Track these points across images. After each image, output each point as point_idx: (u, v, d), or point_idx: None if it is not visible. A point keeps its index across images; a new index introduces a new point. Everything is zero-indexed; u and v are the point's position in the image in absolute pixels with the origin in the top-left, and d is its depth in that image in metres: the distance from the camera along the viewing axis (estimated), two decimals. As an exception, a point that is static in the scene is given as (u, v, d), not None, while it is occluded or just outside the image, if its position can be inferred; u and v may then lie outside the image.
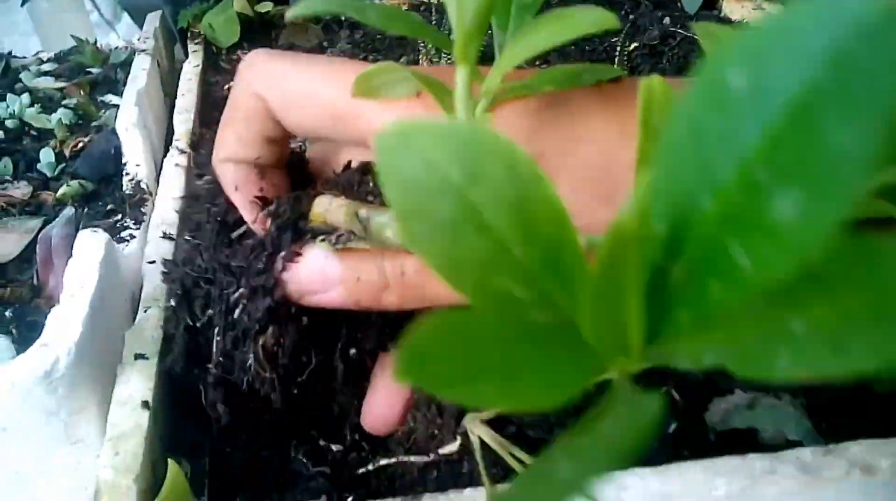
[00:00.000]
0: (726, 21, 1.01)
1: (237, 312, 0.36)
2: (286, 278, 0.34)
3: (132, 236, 0.59)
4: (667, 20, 1.01)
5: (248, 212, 0.39)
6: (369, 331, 0.38)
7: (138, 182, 0.65)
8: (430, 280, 0.31)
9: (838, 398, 0.48)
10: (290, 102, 0.36)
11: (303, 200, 0.36)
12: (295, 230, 0.35)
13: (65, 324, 0.41)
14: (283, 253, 0.34)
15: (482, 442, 0.37)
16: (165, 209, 0.58)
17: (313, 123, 0.36)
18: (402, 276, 0.31)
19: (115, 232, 0.59)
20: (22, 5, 0.98)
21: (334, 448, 0.44)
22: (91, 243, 0.48)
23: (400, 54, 0.90)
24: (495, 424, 0.39)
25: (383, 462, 0.41)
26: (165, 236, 0.54)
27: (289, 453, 0.44)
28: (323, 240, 0.34)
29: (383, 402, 0.40)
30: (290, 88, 0.36)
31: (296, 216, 0.35)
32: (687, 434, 0.47)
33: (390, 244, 0.31)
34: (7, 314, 0.51)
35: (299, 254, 0.34)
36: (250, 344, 0.36)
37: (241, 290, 0.36)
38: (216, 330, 0.37)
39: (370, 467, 0.42)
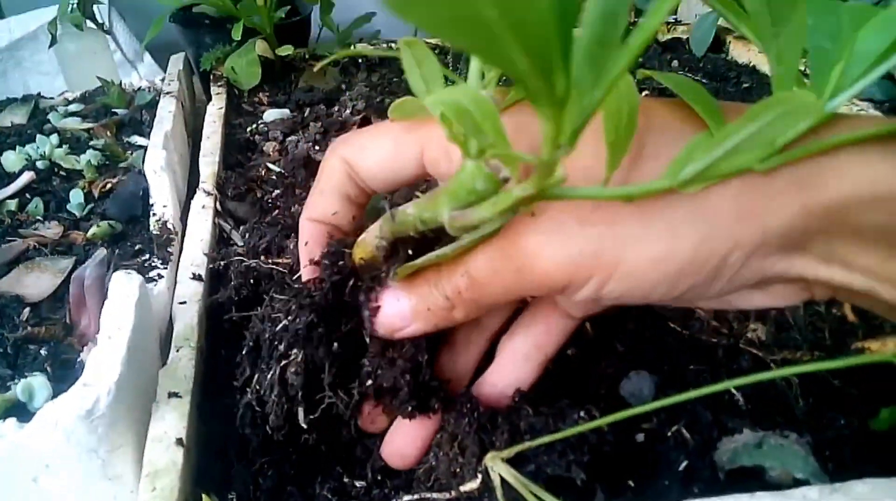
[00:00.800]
0: (733, 64, 1.04)
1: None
2: (376, 326, 0.39)
3: (160, 276, 0.61)
4: (675, 63, 1.04)
5: (306, 268, 0.42)
6: (388, 369, 0.40)
7: (165, 223, 0.67)
8: (482, 290, 0.35)
9: (843, 437, 0.50)
10: (376, 163, 0.40)
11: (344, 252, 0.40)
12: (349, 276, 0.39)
13: (105, 365, 0.43)
14: (366, 308, 0.39)
15: (503, 480, 0.39)
16: (194, 250, 0.60)
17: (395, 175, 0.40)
18: (461, 294, 0.35)
19: (143, 271, 0.62)
20: (49, 47, 1.02)
21: (358, 484, 0.45)
22: (126, 285, 0.50)
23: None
24: (515, 462, 0.41)
25: (406, 498, 0.43)
26: (195, 278, 0.57)
27: (314, 489, 0.46)
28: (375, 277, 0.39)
29: (405, 437, 0.43)
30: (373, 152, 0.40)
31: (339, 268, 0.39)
32: (696, 473, 0.48)
33: (412, 222, 0.35)
34: (42, 352, 0.53)
35: (377, 305, 0.38)
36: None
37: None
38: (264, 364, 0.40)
39: (393, 503, 0.43)
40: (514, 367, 0.44)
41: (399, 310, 0.38)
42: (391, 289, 0.38)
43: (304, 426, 0.41)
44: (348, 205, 0.42)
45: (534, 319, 0.45)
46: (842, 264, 0.31)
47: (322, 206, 0.42)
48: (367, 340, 0.40)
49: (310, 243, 0.42)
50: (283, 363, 0.40)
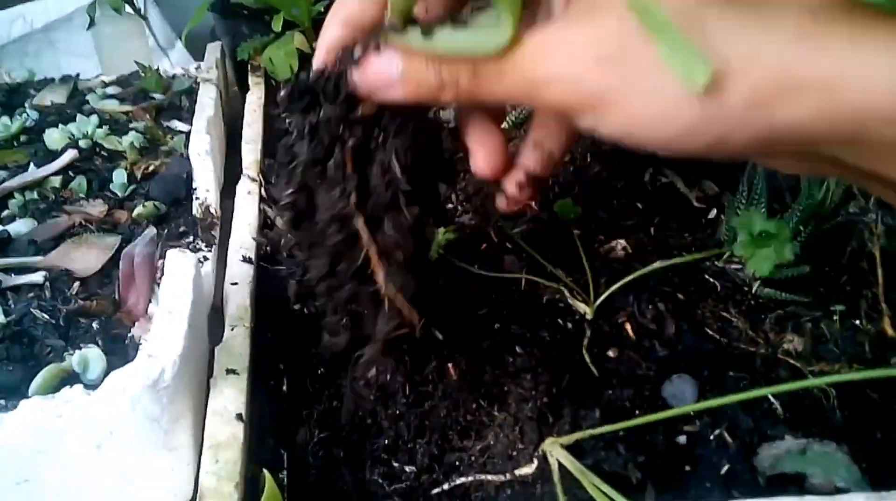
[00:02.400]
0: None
1: None
2: (356, 78, 0.36)
3: (205, 258, 0.62)
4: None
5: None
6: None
7: (207, 207, 0.68)
8: (482, 87, 0.34)
9: (882, 448, 0.50)
10: None
11: None
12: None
13: (168, 338, 0.44)
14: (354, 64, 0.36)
15: (560, 466, 0.40)
16: (242, 233, 0.61)
17: None
18: (458, 83, 0.34)
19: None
20: (87, 29, 1.02)
21: (408, 469, 0.46)
22: (183, 263, 0.50)
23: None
24: (572, 453, 0.41)
25: (459, 480, 0.43)
26: (245, 260, 0.57)
27: (363, 473, 0.46)
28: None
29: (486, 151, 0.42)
30: None
31: None
32: (737, 476, 0.49)
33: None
34: (93, 326, 0.54)
35: (367, 60, 0.36)
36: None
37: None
38: None
39: (445, 487, 0.44)
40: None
41: (387, 70, 0.36)
42: (387, 52, 0.36)
43: None
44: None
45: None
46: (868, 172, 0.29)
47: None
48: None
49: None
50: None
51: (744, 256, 0.47)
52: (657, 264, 0.59)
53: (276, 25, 0.92)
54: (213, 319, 0.56)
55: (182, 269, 0.50)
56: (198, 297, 0.49)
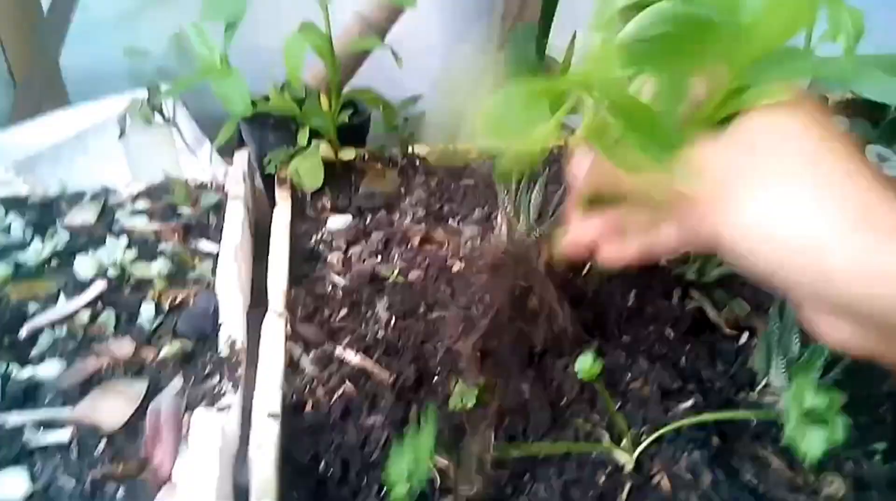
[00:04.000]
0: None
1: None
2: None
3: (231, 405, 0.61)
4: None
5: None
6: None
7: (234, 342, 0.68)
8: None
9: None
10: None
11: None
12: None
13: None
14: None
15: None
16: (268, 383, 0.61)
17: None
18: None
19: (214, 398, 0.62)
20: (119, 138, 1.04)
21: None
22: (207, 427, 0.50)
23: (474, 205, 0.94)
24: None
25: None
26: (271, 416, 0.57)
27: None
28: None
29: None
30: None
31: None
32: None
33: None
34: (119, 493, 0.54)
35: None
36: None
37: None
38: None
39: None
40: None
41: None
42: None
43: None
44: None
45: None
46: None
47: None
48: None
49: None
50: None
51: (795, 438, 0.46)
52: (694, 419, 0.58)
53: (303, 139, 0.94)
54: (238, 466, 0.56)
55: (207, 436, 0.50)
56: (224, 468, 0.49)
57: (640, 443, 0.58)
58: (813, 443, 0.49)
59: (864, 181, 0.37)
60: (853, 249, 0.35)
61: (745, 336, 0.71)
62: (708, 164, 0.41)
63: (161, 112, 1.06)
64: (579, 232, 0.54)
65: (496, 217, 0.87)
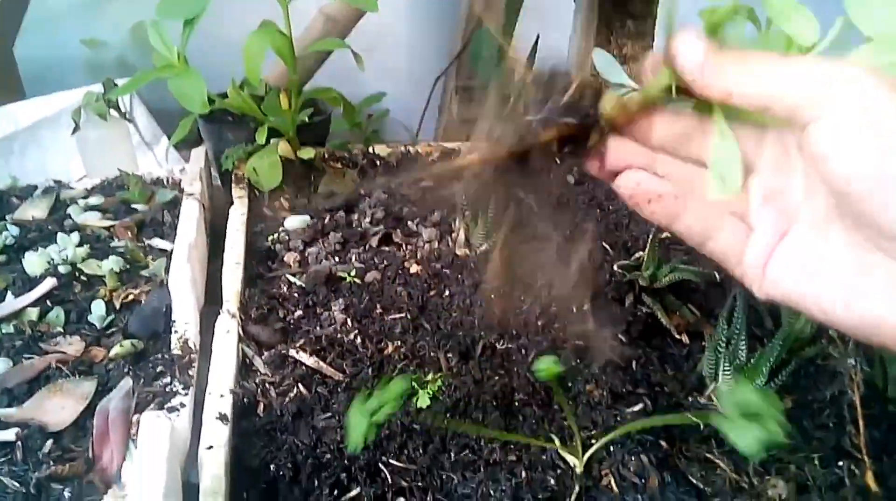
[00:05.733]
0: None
1: None
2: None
3: (182, 405, 0.61)
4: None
5: None
6: None
7: (186, 341, 0.67)
8: None
9: None
10: None
11: None
12: None
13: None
14: None
15: None
16: (219, 383, 0.60)
17: None
18: None
19: (165, 398, 0.61)
20: (72, 134, 1.03)
21: None
22: (156, 430, 0.50)
23: (433, 207, 0.94)
24: None
25: None
26: (221, 418, 0.57)
27: None
28: None
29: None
30: None
31: None
32: None
33: None
34: (66, 494, 0.53)
35: None
36: None
37: None
38: None
39: None
40: None
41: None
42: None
43: None
44: None
45: None
46: None
47: None
48: None
49: None
50: None
51: (731, 436, 0.47)
52: (643, 423, 0.59)
53: (261, 138, 0.93)
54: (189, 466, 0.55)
55: (155, 439, 0.49)
56: (171, 471, 0.48)
57: (590, 446, 0.59)
58: (747, 441, 0.51)
59: None
60: None
61: (695, 342, 0.72)
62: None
63: (117, 107, 1.04)
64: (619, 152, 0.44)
65: (454, 220, 0.87)
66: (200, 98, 0.83)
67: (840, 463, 0.61)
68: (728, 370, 0.66)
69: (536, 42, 1.39)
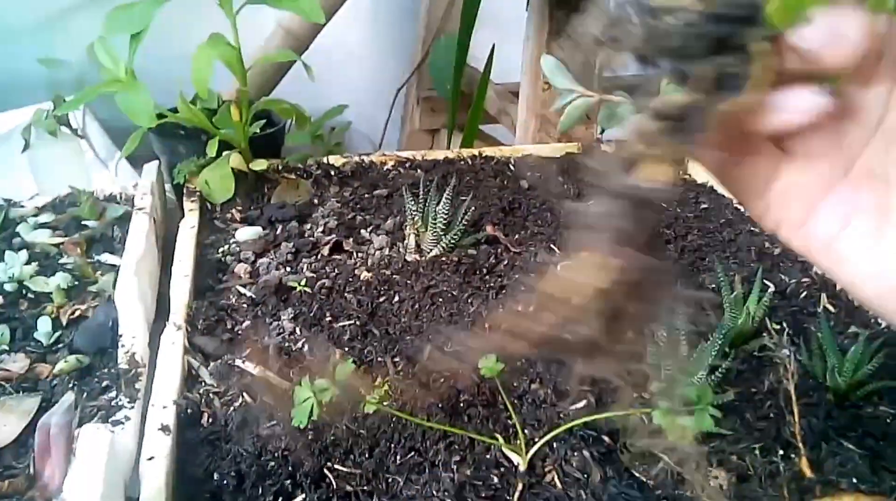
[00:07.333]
0: (692, 184, 1.08)
1: None
2: None
3: (127, 418, 0.61)
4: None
5: None
6: None
7: (133, 355, 0.67)
8: None
9: None
10: None
11: None
12: None
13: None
14: None
15: None
16: (162, 395, 0.60)
17: None
18: None
19: (110, 413, 0.61)
20: (22, 152, 1.02)
21: None
22: (95, 443, 0.50)
23: (387, 215, 0.95)
24: None
25: None
26: (163, 429, 0.57)
27: None
28: None
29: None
30: None
31: None
32: None
33: None
34: (5, 510, 0.53)
35: None
36: None
37: None
38: None
39: None
40: None
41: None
42: None
43: None
44: None
45: None
46: None
47: None
48: None
49: None
50: None
51: (663, 424, 0.48)
52: (586, 419, 0.60)
53: (212, 150, 0.93)
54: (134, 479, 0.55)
55: (93, 451, 0.49)
56: (110, 480, 0.48)
57: (534, 443, 0.60)
58: (681, 432, 0.52)
59: None
60: None
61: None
62: None
63: (68, 124, 1.04)
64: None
65: (406, 227, 0.88)
66: (148, 112, 0.83)
67: (780, 452, 0.62)
68: (670, 365, 0.67)
69: (492, 52, 1.41)
